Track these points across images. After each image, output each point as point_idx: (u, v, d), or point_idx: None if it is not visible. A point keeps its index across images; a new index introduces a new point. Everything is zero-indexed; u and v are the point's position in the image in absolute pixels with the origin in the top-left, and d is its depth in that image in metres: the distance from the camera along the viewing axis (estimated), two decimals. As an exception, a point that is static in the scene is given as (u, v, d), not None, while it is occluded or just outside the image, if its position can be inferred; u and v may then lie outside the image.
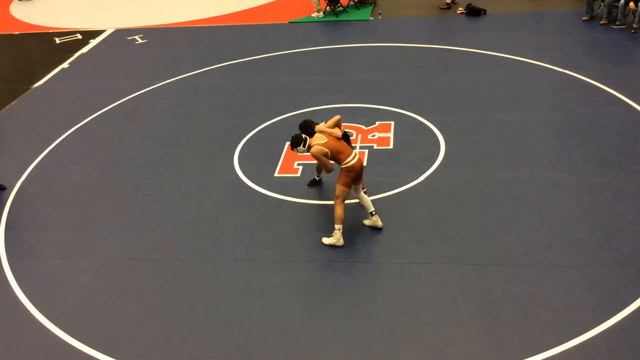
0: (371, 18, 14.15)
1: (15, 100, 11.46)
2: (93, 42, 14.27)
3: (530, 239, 6.65)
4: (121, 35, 14.65)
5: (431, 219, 7.13)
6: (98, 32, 14.92)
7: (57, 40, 14.68)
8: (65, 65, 13.00)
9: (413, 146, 8.62)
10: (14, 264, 7.02)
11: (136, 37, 14.30)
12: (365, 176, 8.00)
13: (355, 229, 7.03)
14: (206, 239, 7.16)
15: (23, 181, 8.70)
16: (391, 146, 8.69)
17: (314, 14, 14.48)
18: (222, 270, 6.66)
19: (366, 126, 9.23)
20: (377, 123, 9.31)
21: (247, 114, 10.01)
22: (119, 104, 10.86)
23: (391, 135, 8.96)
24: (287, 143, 8.95)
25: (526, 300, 5.87)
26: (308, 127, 6.90)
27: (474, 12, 13.65)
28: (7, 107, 11.18)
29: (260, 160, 8.63)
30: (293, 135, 6.82)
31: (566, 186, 7.44)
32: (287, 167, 8.43)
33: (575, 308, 5.72)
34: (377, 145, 8.72)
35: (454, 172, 7.95)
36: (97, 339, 5.90)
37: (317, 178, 7.87)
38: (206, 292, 6.38)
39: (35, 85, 12.09)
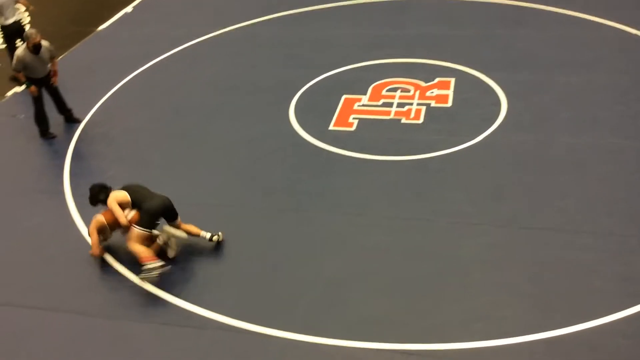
0: (436, -30, 13.65)
1: (80, 42, 11.75)
2: (156, -13, 14.34)
3: (588, 205, 6.46)
4: (184, -20, 14.65)
5: (486, 180, 7.01)
6: (162, -23, 14.96)
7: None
8: (128, 9, 13.16)
9: (473, 105, 8.42)
10: (79, 201, 7.31)
11: (199, -17, 14.28)
12: (420, 134, 7.93)
13: (399, 189, 7.00)
14: (258, 188, 7.27)
15: (86, 122, 8.99)
16: (450, 104, 8.51)
17: (377, -36, 14.07)
18: (273, 219, 6.77)
19: (425, 82, 9.06)
20: (436, 80, 9.11)
21: (304, 65, 9.96)
22: (179, 50, 10.98)
23: (450, 92, 8.76)
24: (344, 96, 8.90)
25: (579, 267, 5.75)
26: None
27: (546, -34, 12.97)
28: (73, 48, 11.48)
29: (315, 113, 8.63)
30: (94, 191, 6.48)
31: (629, 153, 7.15)
32: (342, 120, 8.40)
33: (630, 279, 5.57)
34: (435, 103, 8.56)
35: (513, 133, 7.74)
36: (153, 276, 6.15)
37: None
38: (256, 239, 6.53)
39: (100, 28, 12.33)
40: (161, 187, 7.41)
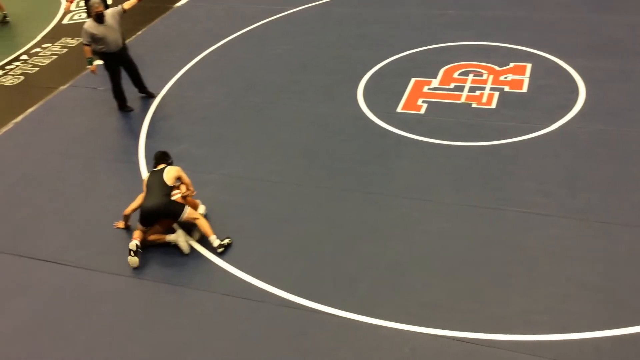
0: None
1: (158, 18, 12.08)
2: (233, -35, 14.52)
3: (668, 202, 6.14)
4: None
5: (559, 169, 6.76)
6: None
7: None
8: (205, -13, 13.41)
9: (549, 92, 8.11)
10: (150, 172, 7.58)
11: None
12: (491, 119, 7.71)
13: (467, 175, 6.85)
14: (323, 167, 7.31)
15: (163, 96, 9.28)
16: (525, 90, 8.23)
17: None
18: (337, 199, 6.80)
19: (499, 67, 8.79)
20: (511, 64, 8.82)
21: (375, 46, 9.86)
22: (253, 27, 11.11)
23: (526, 78, 8.47)
24: (413, 79, 8.77)
25: (654, 265, 5.49)
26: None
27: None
28: (150, 24, 11.82)
29: (384, 94, 8.55)
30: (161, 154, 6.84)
31: None
32: (411, 103, 8.29)
33: None
34: (510, 88, 8.30)
35: (591, 122, 7.42)
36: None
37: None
38: (319, 217, 6.57)
39: (177, 4, 12.63)
40: (230, 162, 7.62)
